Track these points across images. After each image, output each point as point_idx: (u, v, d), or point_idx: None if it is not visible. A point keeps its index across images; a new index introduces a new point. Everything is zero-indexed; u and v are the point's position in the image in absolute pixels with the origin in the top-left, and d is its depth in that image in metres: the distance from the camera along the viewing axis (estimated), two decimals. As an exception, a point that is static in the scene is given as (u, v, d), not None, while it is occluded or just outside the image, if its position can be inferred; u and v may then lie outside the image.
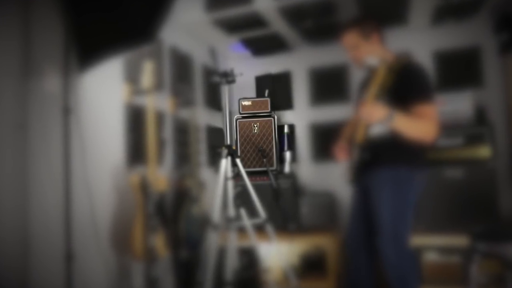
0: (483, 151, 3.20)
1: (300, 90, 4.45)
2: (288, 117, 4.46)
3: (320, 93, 4.36)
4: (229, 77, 2.92)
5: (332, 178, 3.60)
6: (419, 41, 3.89)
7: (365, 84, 2.32)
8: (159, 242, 2.77)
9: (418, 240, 3.10)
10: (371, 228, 2.21)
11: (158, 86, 3.17)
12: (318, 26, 3.85)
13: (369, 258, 2.28)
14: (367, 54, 2.22)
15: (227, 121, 3.01)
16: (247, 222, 2.80)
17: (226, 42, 4.23)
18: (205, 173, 3.80)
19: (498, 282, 2.75)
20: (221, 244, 2.81)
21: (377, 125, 2.13)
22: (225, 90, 2.98)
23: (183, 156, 3.52)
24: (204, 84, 4.17)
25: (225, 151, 2.83)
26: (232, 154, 2.86)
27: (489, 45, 3.72)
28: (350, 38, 2.28)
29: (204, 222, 3.14)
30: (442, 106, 3.34)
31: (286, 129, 4.14)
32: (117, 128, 2.99)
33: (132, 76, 3.06)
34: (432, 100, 2.07)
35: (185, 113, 3.60)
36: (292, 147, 4.15)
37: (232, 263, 2.78)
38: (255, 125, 4.00)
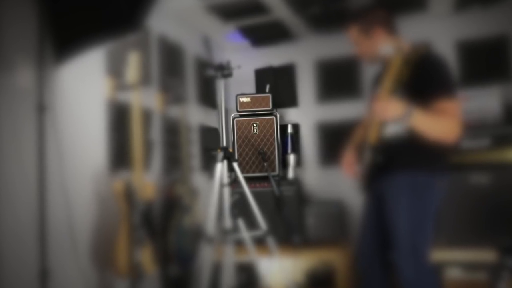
0: (513, 154, 3.20)
1: (306, 85, 4.46)
2: (292, 115, 4.47)
3: (329, 88, 4.37)
4: (225, 70, 2.93)
5: (342, 185, 3.58)
6: (440, 29, 3.90)
7: (379, 78, 2.33)
8: (146, 257, 2.77)
9: (439, 255, 3.10)
10: (386, 240, 2.21)
11: (144, 80, 3.17)
12: (326, 12, 3.86)
13: (383, 275, 2.28)
14: (368, 51, 2.27)
15: (223, 120, 3.02)
16: (245, 234, 2.81)
17: (222, 31, 4.24)
18: (198, 179, 3.81)
19: (530, 302, 2.75)
20: (217, 259, 2.81)
21: (393, 124, 2.13)
22: (220, 85, 2.99)
23: (173, 160, 3.53)
24: (197, 78, 4.17)
25: (220, 154, 2.83)
26: (229, 157, 2.86)
27: (519, 34, 3.73)
28: (351, 34, 2.33)
29: (197, 234, 3.15)
30: (466, 102, 3.35)
31: (289, 129, 4.14)
32: (99, 128, 3.00)
33: (115, 69, 3.06)
34: (454, 95, 2.07)
35: (175, 111, 3.61)
36: (296, 149, 4.15)
37: (228, 280, 2.78)
38: (255, 125, 4.01)
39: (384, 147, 2.17)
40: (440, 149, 2.10)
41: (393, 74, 2.11)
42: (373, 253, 2.30)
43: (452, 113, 2.03)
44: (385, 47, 2.17)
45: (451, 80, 2.13)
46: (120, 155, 3.03)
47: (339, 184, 3.79)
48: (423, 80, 2.07)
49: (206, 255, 2.75)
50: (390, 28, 2.29)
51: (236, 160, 2.94)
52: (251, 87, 4.53)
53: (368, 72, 3.85)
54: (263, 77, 4.52)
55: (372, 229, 2.31)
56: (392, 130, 2.16)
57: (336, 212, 3.84)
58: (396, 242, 2.13)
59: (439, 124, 2.02)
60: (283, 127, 4.12)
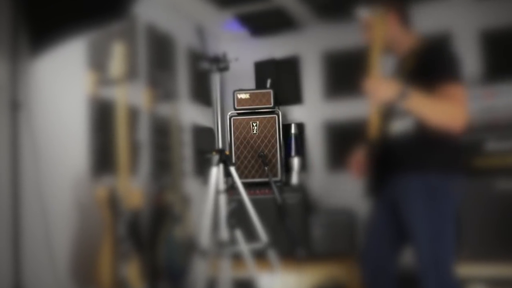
0: (544, 157, 3.21)
1: (312, 80, 4.47)
2: (296, 114, 4.48)
3: (337, 83, 4.38)
4: (221, 63, 2.94)
5: (352, 192, 3.58)
6: (462, 18, 3.91)
7: (396, 72, 2.37)
8: (132, 272, 2.78)
9: (462, 269, 3.09)
10: (397, 252, 2.24)
11: (131, 74, 3.18)
12: (334, -2, 3.88)
13: None
14: (379, 36, 2.31)
15: (219, 119, 3.03)
16: (244, 247, 2.82)
17: (218, 19, 4.25)
18: (190, 185, 3.82)
19: None
20: (211, 275, 2.82)
21: (400, 120, 2.17)
22: (216, 79, 3.00)
23: (163, 164, 3.54)
24: (189, 72, 4.19)
25: (216, 157, 2.85)
26: (225, 161, 2.87)
27: (550, 23, 3.74)
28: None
29: (190, 247, 3.15)
30: (491, 99, 3.36)
31: (293, 129, 4.15)
32: (79, 128, 3.01)
33: (97, 62, 3.07)
34: (460, 80, 2.13)
35: (165, 109, 3.62)
36: (301, 152, 4.16)
37: (225, 299, 2.79)
38: (254, 124, 4.02)
39: (391, 144, 2.20)
40: (453, 147, 2.14)
41: (378, 42, 2.20)
42: (382, 266, 2.32)
43: (456, 98, 2.07)
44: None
45: (457, 66, 2.19)
46: (103, 158, 3.04)
47: (348, 190, 3.79)
48: (427, 67, 2.14)
49: (199, 271, 2.76)
50: (404, 17, 2.33)
51: (233, 164, 2.95)
52: (250, 82, 4.54)
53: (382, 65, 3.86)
54: (264, 70, 4.54)
55: (382, 239, 2.33)
56: (399, 126, 2.19)
57: (345, 222, 3.85)
58: (417, 254, 2.15)
59: (441, 107, 2.06)
60: (286, 127, 4.13)
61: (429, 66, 2.13)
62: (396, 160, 2.19)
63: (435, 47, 2.23)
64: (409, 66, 2.20)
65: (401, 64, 2.28)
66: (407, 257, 2.27)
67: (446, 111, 2.06)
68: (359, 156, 2.39)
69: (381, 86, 2.10)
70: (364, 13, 2.27)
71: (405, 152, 2.18)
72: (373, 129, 2.20)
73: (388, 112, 2.21)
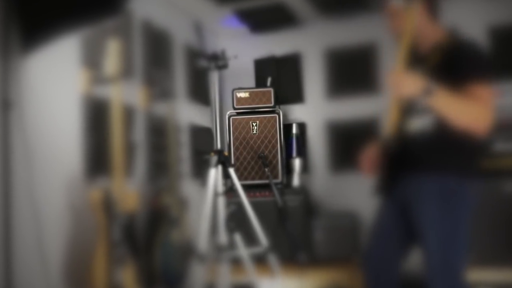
0: (554, 158, 3.21)
1: (313, 78, 4.47)
2: (297, 113, 4.48)
3: (340, 82, 4.38)
4: (219, 60, 2.94)
5: (355, 194, 3.59)
6: (471, 14, 3.90)
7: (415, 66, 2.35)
8: (127, 277, 2.77)
9: (468, 274, 3.11)
10: (403, 256, 2.24)
11: (126, 72, 3.18)
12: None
13: None
14: (409, 27, 2.26)
15: (217, 118, 3.02)
16: (243, 251, 2.81)
17: (216, 15, 4.25)
18: (188, 187, 3.81)
19: None
20: (210, 280, 2.82)
21: (418, 118, 2.15)
22: (214, 77, 2.99)
23: (160, 165, 3.53)
24: (186, 70, 4.18)
25: (214, 158, 2.84)
26: (224, 162, 2.87)
27: (561, 19, 3.74)
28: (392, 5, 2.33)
29: (187, 251, 3.15)
30: (500, 98, 3.35)
31: (294, 129, 4.15)
32: (73, 128, 3.01)
33: (92, 60, 3.07)
34: (488, 80, 2.09)
35: (162, 108, 3.61)
36: (302, 152, 4.16)
37: (223, 305, 2.79)
38: (254, 124, 4.02)
39: (408, 142, 2.18)
40: (472, 149, 2.12)
41: (407, 36, 2.14)
42: (386, 268, 2.31)
43: (484, 100, 2.04)
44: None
45: (486, 65, 2.16)
46: (97, 159, 3.04)
47: (352, 193, 3.81)
48: (454, 64, 2.10)
49: (197, 276, 2.76)
50: (433, 9, 2.31)
51: (232, 165, 2.95)
52: (250, 80, 4.54)
53: (387, 62, 3.86)
54: (264, 68, 4.54)
55: (389, 240, 2.32)
56: (418, 124, 2.17)
57: (348, 226, 3.85)
58: (426, 257, 2.15)
59: (467, 108, 2.04)
60: (287, 127, 4.13)
61: (457, 63, 2.09)
62: (412, 159, 2.17)
63: (464, 43, 2.20)
64: (433, 61, 2.16)
65: (423, 58, 2.23)
66: (413, 261, 2.27)
67: (471, 112, 2.02)
68: (371, 153, 2.37)
69: (406, 81, 2.06)
70: (396, 2, 2.23)
71: (422, 152, 2.16)
72: (390, 125, 2.18)
73: (408, 109, 2.18)
